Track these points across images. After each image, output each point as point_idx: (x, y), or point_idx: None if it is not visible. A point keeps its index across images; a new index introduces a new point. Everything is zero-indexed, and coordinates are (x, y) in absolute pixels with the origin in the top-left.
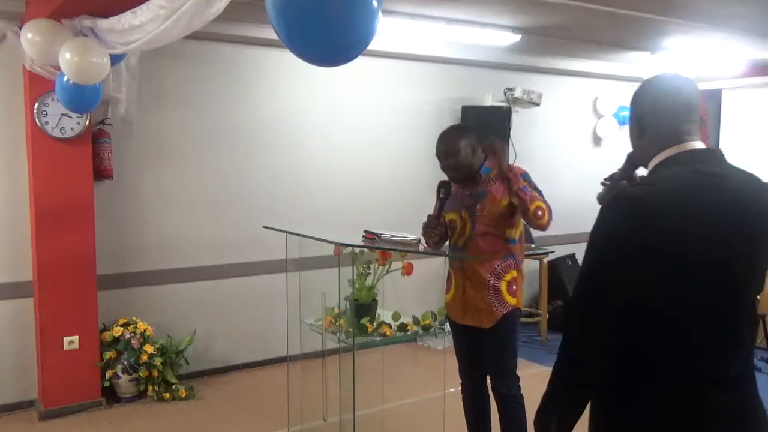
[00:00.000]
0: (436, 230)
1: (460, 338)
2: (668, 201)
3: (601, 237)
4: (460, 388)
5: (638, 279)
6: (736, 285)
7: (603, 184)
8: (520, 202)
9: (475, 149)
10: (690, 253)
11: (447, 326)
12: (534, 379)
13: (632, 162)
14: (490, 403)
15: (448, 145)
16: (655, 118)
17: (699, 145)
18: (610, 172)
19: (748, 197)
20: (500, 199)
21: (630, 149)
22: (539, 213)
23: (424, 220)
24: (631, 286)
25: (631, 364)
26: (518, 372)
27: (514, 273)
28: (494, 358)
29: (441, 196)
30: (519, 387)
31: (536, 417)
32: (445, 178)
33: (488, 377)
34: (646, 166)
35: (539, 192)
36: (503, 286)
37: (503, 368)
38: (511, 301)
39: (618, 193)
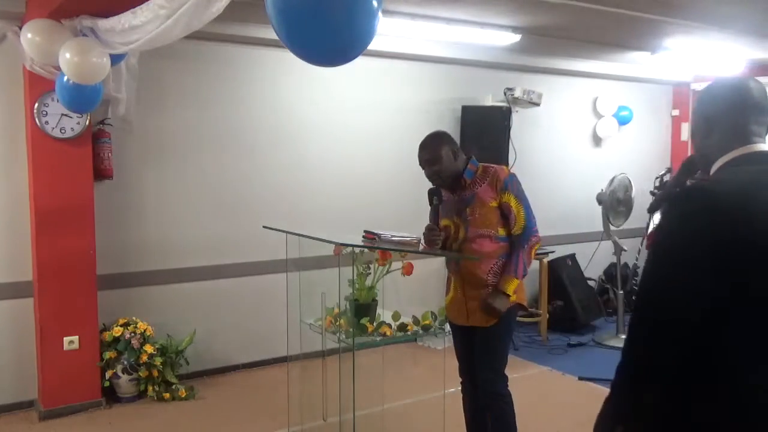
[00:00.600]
0: (439, 237)
1: (460, 338)
2: (743, 194)
3: (664, 239)
4: (460, 388)
5: (705, 285)
6: None
7: (652, 193)
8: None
9: (456, 154)
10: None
11: (447, 326)
12: (534, 379)
13: (687, 169)
14: None
15: (430, 154)
16: (725, 118)
17: (767, 147)
18: (661, 180)
19: None
20: (489, 202)
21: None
22: (533, 253)
23: (426, 224)
24: (694, 296)
25: (689, 367)
26: (518, 372)
27: None
28: (484, 355)
29: (435, 202)
30: (506, 386)
31: (598, 420)
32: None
33: None
34: (707, 170)
35: (523, 201)
36: None
37: (491, 366)
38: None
39: (684, 189)
